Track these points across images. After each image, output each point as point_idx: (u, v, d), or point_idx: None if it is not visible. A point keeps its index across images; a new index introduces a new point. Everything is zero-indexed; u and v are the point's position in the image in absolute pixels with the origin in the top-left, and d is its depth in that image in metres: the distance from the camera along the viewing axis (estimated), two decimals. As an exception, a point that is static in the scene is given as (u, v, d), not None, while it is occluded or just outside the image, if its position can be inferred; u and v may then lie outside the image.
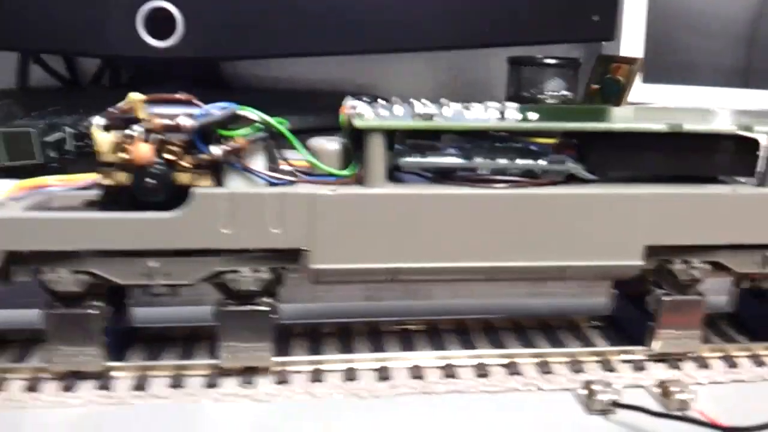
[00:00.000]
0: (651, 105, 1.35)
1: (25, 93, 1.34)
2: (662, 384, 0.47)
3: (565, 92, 1.29)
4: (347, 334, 0.52)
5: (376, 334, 0.53)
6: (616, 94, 1.29)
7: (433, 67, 1.61)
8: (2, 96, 0.81)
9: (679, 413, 0.44)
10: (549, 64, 1.29)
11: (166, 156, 0.42)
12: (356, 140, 0.45)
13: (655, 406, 0.45)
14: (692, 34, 1.50)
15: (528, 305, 0.59)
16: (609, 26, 1.32)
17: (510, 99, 1.30)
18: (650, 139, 0.45)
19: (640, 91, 1.42)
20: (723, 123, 0.47)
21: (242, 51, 1.28)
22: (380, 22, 1.19)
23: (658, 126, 0.44)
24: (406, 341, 0.52)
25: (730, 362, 0.50)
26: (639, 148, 0.46)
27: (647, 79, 1.48)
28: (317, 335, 0.52)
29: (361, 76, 1.62)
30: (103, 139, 0.42)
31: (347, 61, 1.53)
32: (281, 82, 1.58)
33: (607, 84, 1.31)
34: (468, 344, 0.52)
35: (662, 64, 1.49)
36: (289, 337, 0.52)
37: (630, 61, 1.30)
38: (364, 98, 0.48)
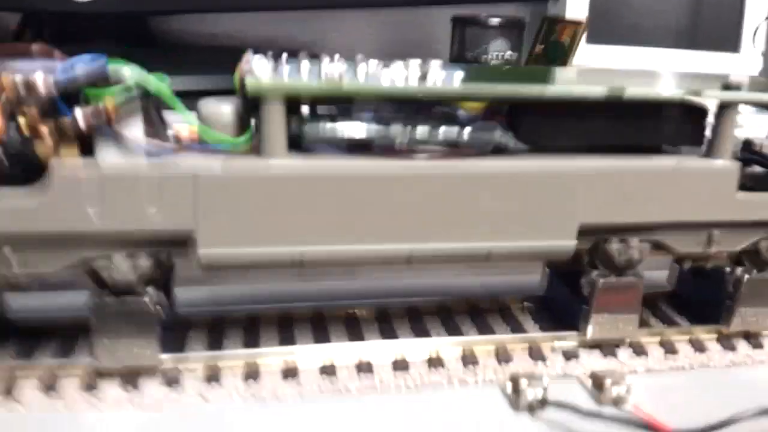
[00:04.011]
0: (595, 67, 1.31)
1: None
2: (595, 375, 0.43)
3: (509, 53, 1.24)
4: (253, 324, 0.47)
5: (287, 322, 0.47)
6: (560, 56, 1.25)
7: (376, 26, 1.54)
8: None
9: (613, 410, 0.41)
10: (493, 25, 1.24)
11: (21, 122, 0.35)
12: (254, 103, 0.38)
13: (588, 400, 0.42)
14: (638, -7, 1.46)
15: (455, 285, 0.54)
16: (554, -15, 1.27)
17: (453, 59, 1.25)
18: (588, 106, 0.40)
19: (585, 52, 1.39)
20: (669, 88, 0.42)
21: (169, 5, 1.18)
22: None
23: (597, 91, 0.39)
24: (320, 331, 0.46)
25: (669, 348, 0.46)
26: (576, 116, 0.40)
27: (592, 40, 1.44)
28: (219, 326, 0.46)
29: (302, 33, 1.53)
30: (-60, 104, 0.35)
31: (289, 17, 1.44)
32: (217, 38, 1.49)
33: (552, 46, 1.27)
34: (389, 333, 0.47)
35: (607, 25, 1.46)
36: (186, 329, 0.46)
37: (575, 23, 1.26)
38: (269, 53, 0.41)
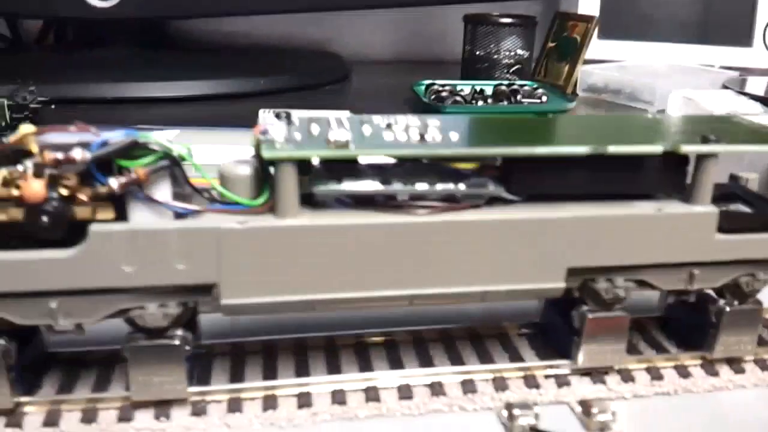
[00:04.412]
0: (607, 63, 1.33)
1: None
2: (584, 402, 0.47)
3: (520, 51, 1.27)
4: (271, 354, 0.51)
5: (302, 352, 0.51)
6: (572, 52, 1.27)
7: (390, 24, 1.57)
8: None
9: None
10: (504, 23, 1.26)
11: (61, 190, 0.40)
12: (269, 164, 0.42)
13: (577, 426, 0.46)
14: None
15: (457, 311, 0.58)
16: (566, -19, 1.29)
17: (466, 57, 1.28)
18: (574, 160, 0.44)
19: (596, 47, 1.40)
20: (650, 140, 0.45)
21: (186, 10, 1.22)
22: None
23: (581, 149, 0.43)
24: (332, 361, 0.51)
25: (655, 374, 0.50)
26: (562, 169, 0.44)
27: (604, 35, 1.46)
28: (240, 355, 0.51)
29: (319, 31, 1.57)
30: (-8, 176, 0.39)
31: (304, 15, 1.47)
32: (237, 37, 1.52)
33: (564, 42, 1.29)
34: (396, 359, 0.51)
35: (619, 20, 1.47)
36: (210, 358, 0.50)
37: (587, 19, 1.28)
38: (282, 113, 0.46)
